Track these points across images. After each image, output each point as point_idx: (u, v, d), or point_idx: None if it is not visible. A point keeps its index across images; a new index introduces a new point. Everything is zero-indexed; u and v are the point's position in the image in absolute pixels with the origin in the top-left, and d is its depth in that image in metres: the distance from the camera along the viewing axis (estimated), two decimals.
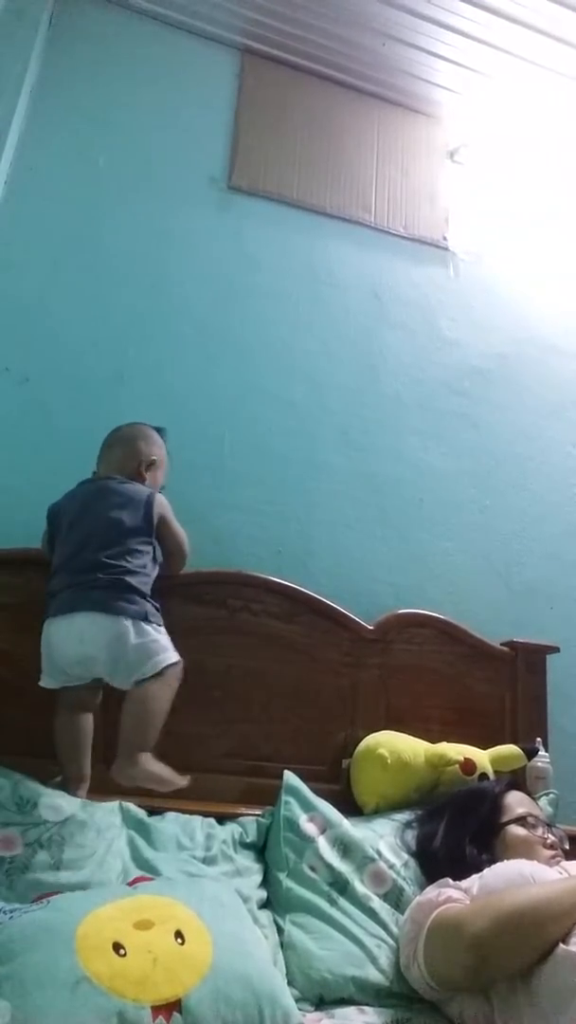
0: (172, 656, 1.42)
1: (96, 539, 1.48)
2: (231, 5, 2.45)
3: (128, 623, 1.39)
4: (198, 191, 2.37)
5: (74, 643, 1.39)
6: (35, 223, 2.16)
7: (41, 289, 2.10)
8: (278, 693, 1.76)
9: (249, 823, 1.50)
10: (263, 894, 1.38)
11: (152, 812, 1.49)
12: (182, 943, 1.01)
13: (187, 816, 1.48)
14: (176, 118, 2.43)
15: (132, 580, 1.44)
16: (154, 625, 1.43)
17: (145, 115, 2.40)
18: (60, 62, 2.34)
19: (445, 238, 2.61)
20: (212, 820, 1.50)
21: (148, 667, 1.39)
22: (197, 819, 1.48)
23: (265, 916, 1.30)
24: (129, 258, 2.21)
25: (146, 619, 1.42)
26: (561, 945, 1.03)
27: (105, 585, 1.42)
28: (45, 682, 1.44)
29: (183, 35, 2.53)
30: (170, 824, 1.45)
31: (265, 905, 1.36)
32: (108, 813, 1.39)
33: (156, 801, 1.51)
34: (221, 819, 1.51)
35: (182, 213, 2.32)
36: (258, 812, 1.53)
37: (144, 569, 1.49)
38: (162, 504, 1.58)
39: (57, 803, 1.37)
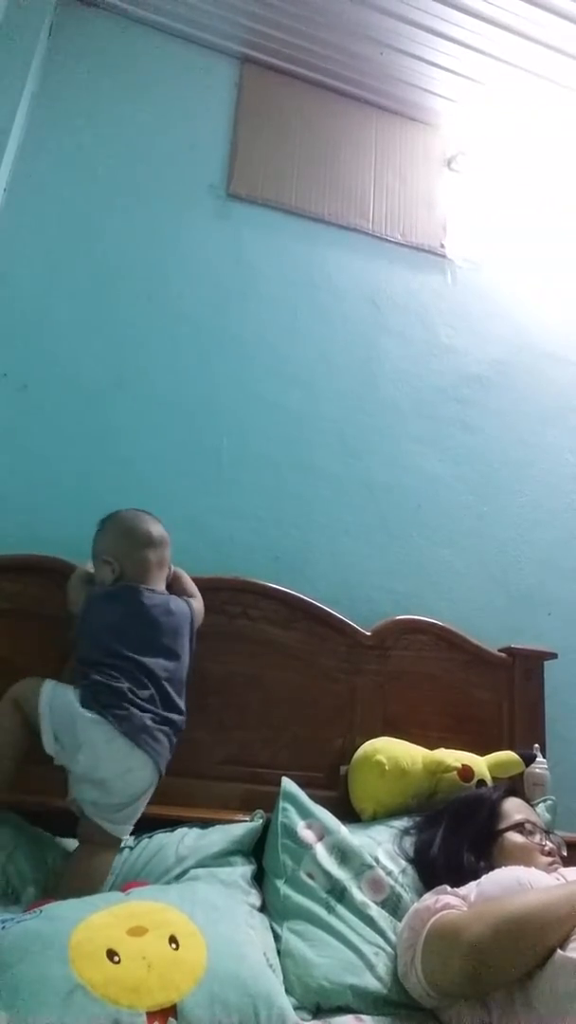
0: (129, 832, 1.37)
1: (179, 677, 1.46)
2: (230, 15, 2.47)
3: (154, 784, 1.38)
4: (197, 198, 2.38)
5: (116, 774, 1.32)
6: (34, 230, 2.16)
7: (40, 296, 2.11)
8: (276, 699, 1.75)
9: (237, 827, 1.49)
10: (254, 898, 1.37)
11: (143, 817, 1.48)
12: (176, 948, 1.00)
13: (178, 826, 1.49)
14: (175, 126, 2.45)
15: (176, 742, 1.43)
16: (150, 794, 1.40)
17: (144, 123, 2.41)
18: (60, 71, 2.36)
19: (443, 245, 2.62)
20: (200, 825, 1.50)
21: (122, 829, 1.34)
22: (188, 827, 1.48)
23: (257, 919, 1.29)
24: (128, 265, 2.22)
25: (155, 786, 1.39)
26: (559, 951, 1.02)
27: (168, 735, 1.40)
28: (52, 749, 1.33)
29: (183, 44, 2.55)
30: (161, 832, 1.45)
31: (260, 910, 1.35)
32: None
33: (155, 806, 1.50)
34: (210, 823, 1.51)
35: (181, 220, 2.33)
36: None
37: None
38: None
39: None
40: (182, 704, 1.45)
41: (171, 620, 1.49)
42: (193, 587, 1.65)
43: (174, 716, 1.41)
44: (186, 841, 1.43)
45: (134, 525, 1.56)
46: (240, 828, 1.48)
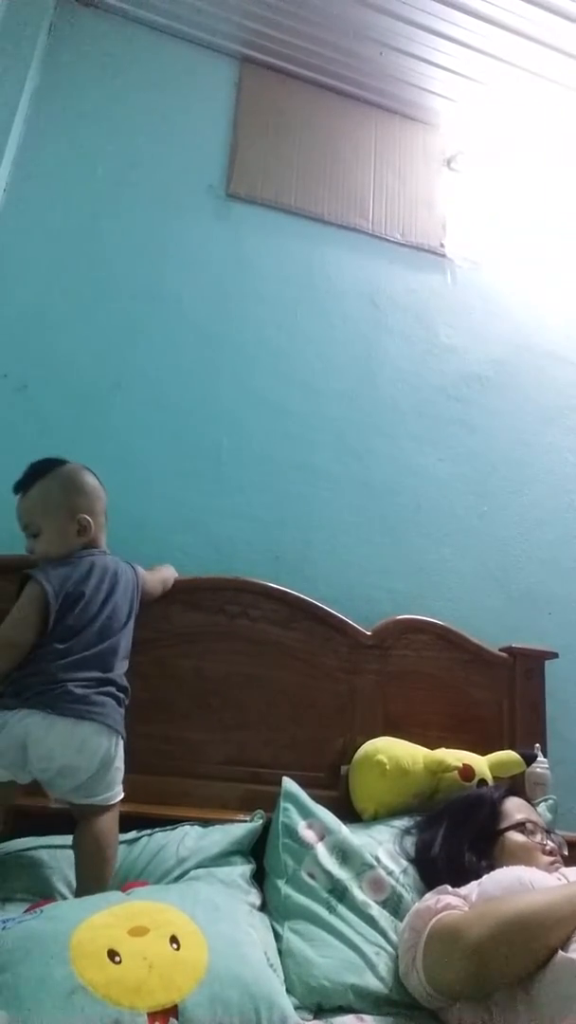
0: (122, 791, 1.33)
1: (115, 638, 1.38)
2: (230, 15, 2.47)
3: (116, 741, 1.31)
4: (196, 199, 2.38)
5: (71, 752, 1.25)
6: (34, 231, 2.16)
7: (40, 296, 2.10)
8: (276, 699, 1.75)
9: (237, 827, 1.49)
10: (254, 898, 1.37)
11: (143, 818, 1.48)
12: (177, 948, 1.00)
13: (179, 824, 1.48)
14: (175, 126, 2.44)
15: (125, 697, 1.37)
16: (122, 751, 1.34)
17: (144, 123, 2.41)
18: (60, 71, 2.36)
19: (442, 245, 2.62)
20: (201, 825, 1.49)
21: (113, 794, 1.30)
22: (188, 826, 1.48)
23: (257, 918, 1.29)
24: (127, 265, 2.22)
25: (120, 742, 1.33)
26: (560, 952, 1.02)
27: (113, 695, 1.33)
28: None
29: (182, 44, 2.55)
30: (160, 831, 1.45)
31: (260, 909, 1.35)
32: None
33: (155, 806, 1.50)
34: (210, 823, 1.50)
35: (180, 221, 2.33)
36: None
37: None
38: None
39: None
40: (122, 668, 1.39)
41: (119, 582, 1.45)
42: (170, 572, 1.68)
43: (112, 676, 1.35)
44: (186, 842, 1.42)
45: (94, 484, 1.51)
46: (240, 828, 1.48)
